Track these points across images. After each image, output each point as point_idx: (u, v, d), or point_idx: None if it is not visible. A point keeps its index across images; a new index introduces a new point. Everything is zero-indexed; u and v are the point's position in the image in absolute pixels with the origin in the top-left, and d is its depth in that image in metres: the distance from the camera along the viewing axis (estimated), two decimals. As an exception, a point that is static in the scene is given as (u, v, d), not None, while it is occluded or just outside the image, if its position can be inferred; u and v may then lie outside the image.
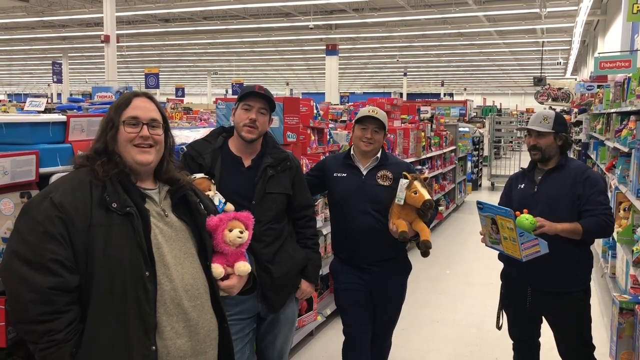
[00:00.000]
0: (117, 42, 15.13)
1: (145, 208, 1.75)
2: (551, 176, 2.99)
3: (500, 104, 34.04)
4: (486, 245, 2.98)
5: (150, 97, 1.88)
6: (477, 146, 13.64)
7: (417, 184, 2.81)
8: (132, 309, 1.64)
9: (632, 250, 3.53)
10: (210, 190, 2.36)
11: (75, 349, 1.60)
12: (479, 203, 2.87)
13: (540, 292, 2.98)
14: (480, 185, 13.93)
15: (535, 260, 2.72)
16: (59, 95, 26.78)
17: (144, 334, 1.65)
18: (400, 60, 30.12)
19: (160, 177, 1.89)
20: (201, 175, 2.42)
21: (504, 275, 3.21)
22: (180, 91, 24.74)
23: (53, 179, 2.05)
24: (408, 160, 6.10)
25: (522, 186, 3.08)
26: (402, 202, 2.82)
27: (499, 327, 3.21)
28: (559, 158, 3.02)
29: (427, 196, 2.78)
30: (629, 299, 2.95)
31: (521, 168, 3.24)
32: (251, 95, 2.58)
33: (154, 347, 1.66)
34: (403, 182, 2.83)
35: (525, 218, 2.67)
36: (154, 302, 1.68)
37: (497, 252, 3.00)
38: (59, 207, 1.63)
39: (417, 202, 2.78)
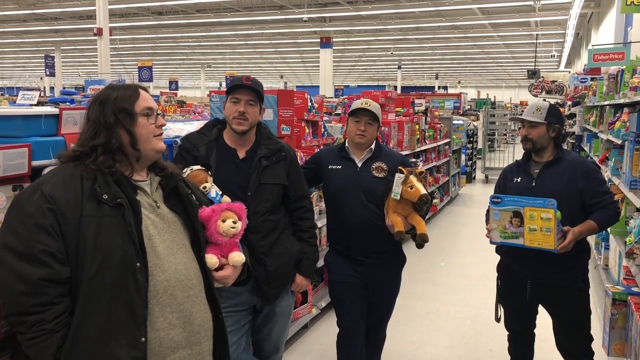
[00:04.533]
0: (110, 35, 14.98)
1: (136, 199, 1.73)
2: (549, 170, 2.97)
3: (495, 96, 34.04)
4: (492, 241, 2.88)
5: (145, 88, 1.88)
6: (471, 139, 13.68)
7: (413, 178, 2.81)
8: (122, 300, 1.63)
9: (625, 242, 3.55)
10: (207, 182, 2.34)
11: (62, 341, 1.59)
12: (495, 197, 2.81)
13: (540, 285, 2.97)
14: (474, 177, 13.97)
15: (534, 253, 2.73)
16: (51, 88, 26.59)
17: (133, 325, 1.64)
18: (394, 53, 30.06)
19: (151, 166, 1.88)
20: (198, 167, 2.41)
21: (501, 268, 3.19)
22: (173, 84, 24.64)
23: (45, 172, 2.03)
24: (402, 153, 6.10)
25: (519, 180, 3.04)
26: (398, 197, 2.81)
27: (497, 320, 3.23)
28: (554, 150, 3.01)
29: (423, 191, 2.78)
30: (621, 290, 2.96)
31: (515, 160, 3.23)
32: (239, 88, 2.57)
33: (143, 339, 1.65)
34: (399, 177, 2.83)
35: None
36: (145, 293, 1.66)
37: (494, 245, 2.98)
38: (50, 199, 1.62)
39: (414, 197, 2.78)
